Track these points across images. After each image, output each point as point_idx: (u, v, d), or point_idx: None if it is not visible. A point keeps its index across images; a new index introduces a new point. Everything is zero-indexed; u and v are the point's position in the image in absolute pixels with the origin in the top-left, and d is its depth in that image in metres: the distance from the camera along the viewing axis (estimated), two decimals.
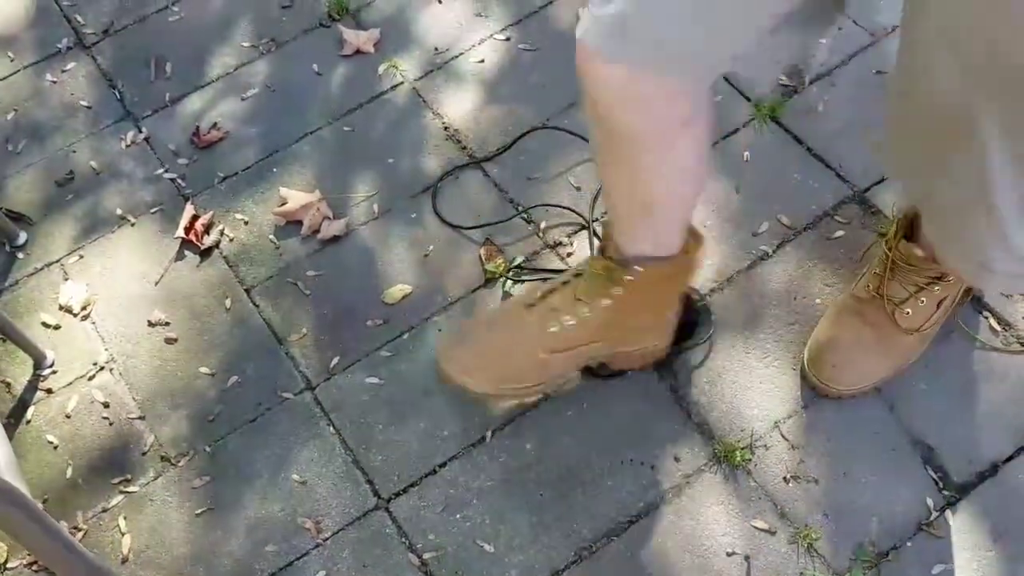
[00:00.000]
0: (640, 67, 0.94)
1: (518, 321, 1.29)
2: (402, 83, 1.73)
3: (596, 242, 1.51)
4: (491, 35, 1.77)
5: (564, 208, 1.55)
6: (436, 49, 1.76)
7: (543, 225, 1.54)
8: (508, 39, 1.76)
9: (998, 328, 1.39)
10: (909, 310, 1.31)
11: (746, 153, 1.58)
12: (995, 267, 1.12)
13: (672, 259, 1.21)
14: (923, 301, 1.31)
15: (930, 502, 1.27)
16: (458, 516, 1.31)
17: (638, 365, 1.38)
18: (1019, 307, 1.41)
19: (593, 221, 1.53)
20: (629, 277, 1.20)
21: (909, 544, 1.25)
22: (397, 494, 1.34)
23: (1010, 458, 1.30)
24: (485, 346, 1.30)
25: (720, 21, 0.92)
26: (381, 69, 1.75)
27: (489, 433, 1.36)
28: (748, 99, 1.64)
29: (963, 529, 1.26)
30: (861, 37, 1.69)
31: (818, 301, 1.43)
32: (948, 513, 1.26)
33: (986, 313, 1.40)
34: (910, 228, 1.30)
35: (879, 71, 1.65)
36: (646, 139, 1.03)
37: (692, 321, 1.41)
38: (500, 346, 1.29)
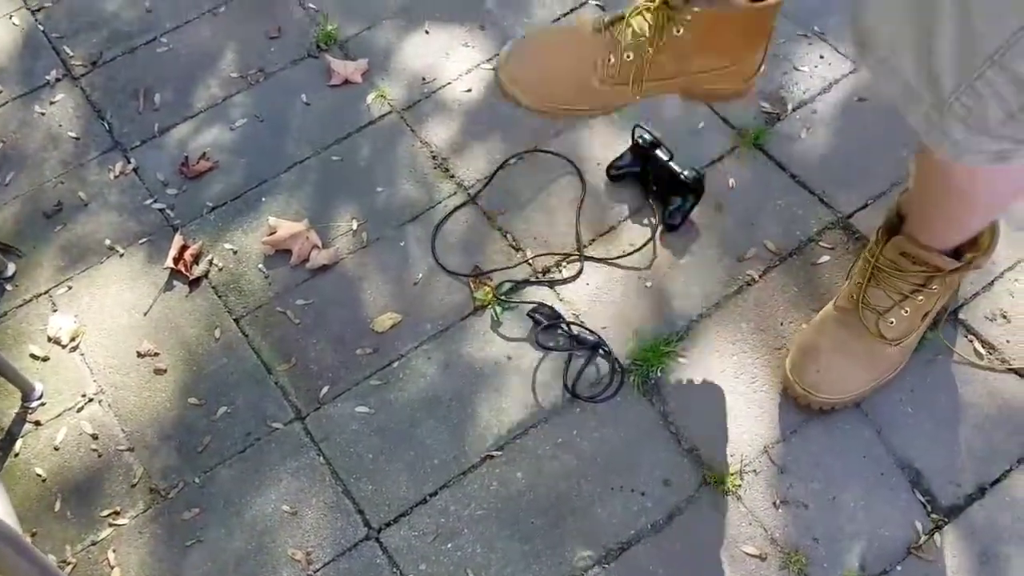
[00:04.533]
0: None
1: (579, 45, 1.29)
2: (390, 112, 1.74)
3: (585, 274, 1.52)
4: (477, 65, 1.79)
5: (559, 254, 1.56)
6: (423, 79, 1.78)
7: (529, 253, 1.55)
8: (494, 68, 1.78)
9: (983, 351, 1.40)
10: (893, 320, 1.33)
11: (731, 180, 1.59)
12: (954, 136, 0.99)
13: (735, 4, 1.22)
14: (906, 311, 1.32)
15: (919, 525, 1.28)
16: (449, 545, 1.31)
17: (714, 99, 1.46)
18: (1002, 330, 1.42)
19: (583, 248, 1.54)
20: (687, 17, 1.22)
21: (899, 568, 1.26)
22: (388, 524, 1.33)
23: (997, 480, 1.31)
24: (542, 63, 1.30)
25: None
26: (369, 99, 1.76)
27: (479, 461, 1.37)
28: (732, 127, 1.66)
29: (952, 552, 1.26)
30: (842, 65, 1.72)
31: (804, 326, 1.44)
32: (937, 536, 1.27)
33: (970, 337, 1.42)
34: (896, 226, 1.31)
35: (861, 98, 1.67)
36: None
37: None
38: (556, 65, 1.29)
